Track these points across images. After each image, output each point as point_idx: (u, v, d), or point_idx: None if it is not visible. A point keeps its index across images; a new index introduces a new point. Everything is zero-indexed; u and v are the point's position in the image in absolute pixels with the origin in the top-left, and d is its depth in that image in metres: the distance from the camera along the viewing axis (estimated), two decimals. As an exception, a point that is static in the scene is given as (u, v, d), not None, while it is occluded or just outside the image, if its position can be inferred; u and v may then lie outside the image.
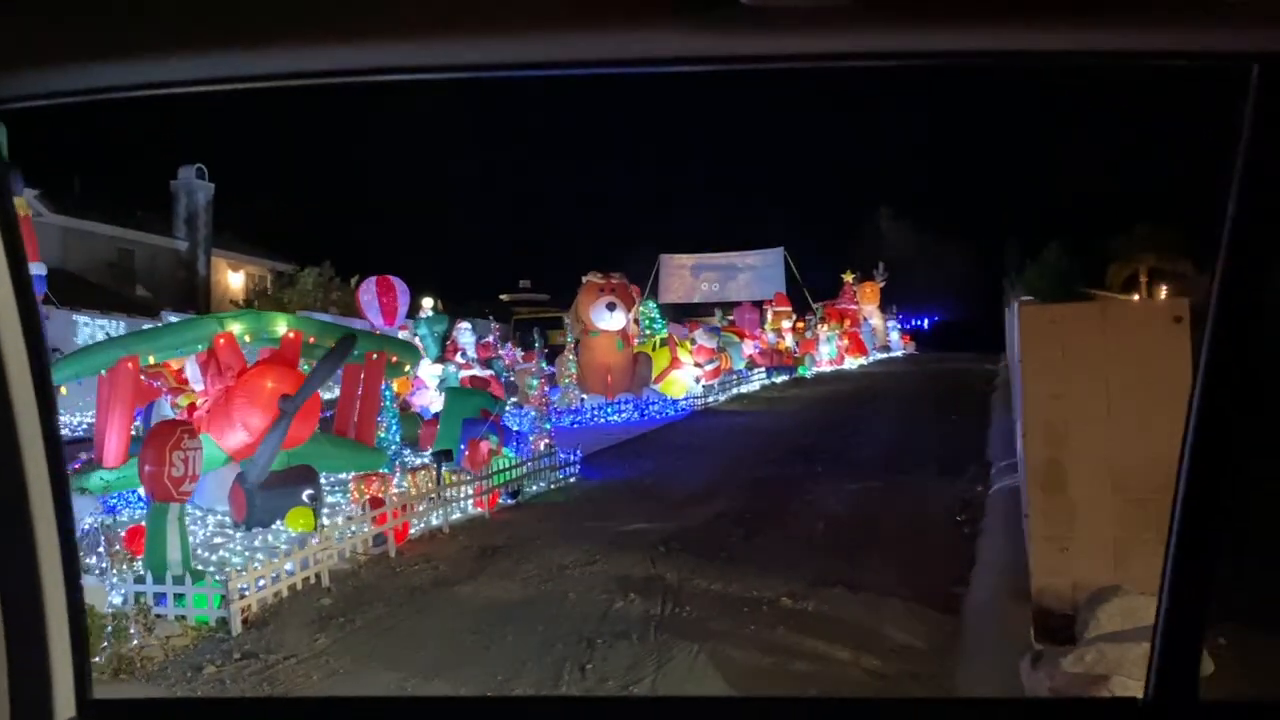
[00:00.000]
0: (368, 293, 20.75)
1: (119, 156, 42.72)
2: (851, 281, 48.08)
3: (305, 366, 11.69)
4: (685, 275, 49.06)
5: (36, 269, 20.62)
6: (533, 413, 15.25)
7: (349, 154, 69.54)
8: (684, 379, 24.17)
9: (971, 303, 63.97)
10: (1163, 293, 47.31)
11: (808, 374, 32.98)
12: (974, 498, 12.61)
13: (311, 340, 11.95)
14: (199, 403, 12.82)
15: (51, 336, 22.08)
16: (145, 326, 25.24)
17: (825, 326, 40.29)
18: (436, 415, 17.01)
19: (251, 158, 62.49)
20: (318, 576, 9.20)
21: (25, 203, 20.97)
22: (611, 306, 22.03)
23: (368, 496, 11.49)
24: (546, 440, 14.44)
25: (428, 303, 23.80)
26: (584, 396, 21.72)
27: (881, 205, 65.98)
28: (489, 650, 7.70)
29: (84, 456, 12.16)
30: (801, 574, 9.32)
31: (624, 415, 21.24)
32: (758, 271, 47.94)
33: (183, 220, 37.65)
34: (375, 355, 12.50)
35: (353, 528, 9.96)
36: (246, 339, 11.53)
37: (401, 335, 18.94)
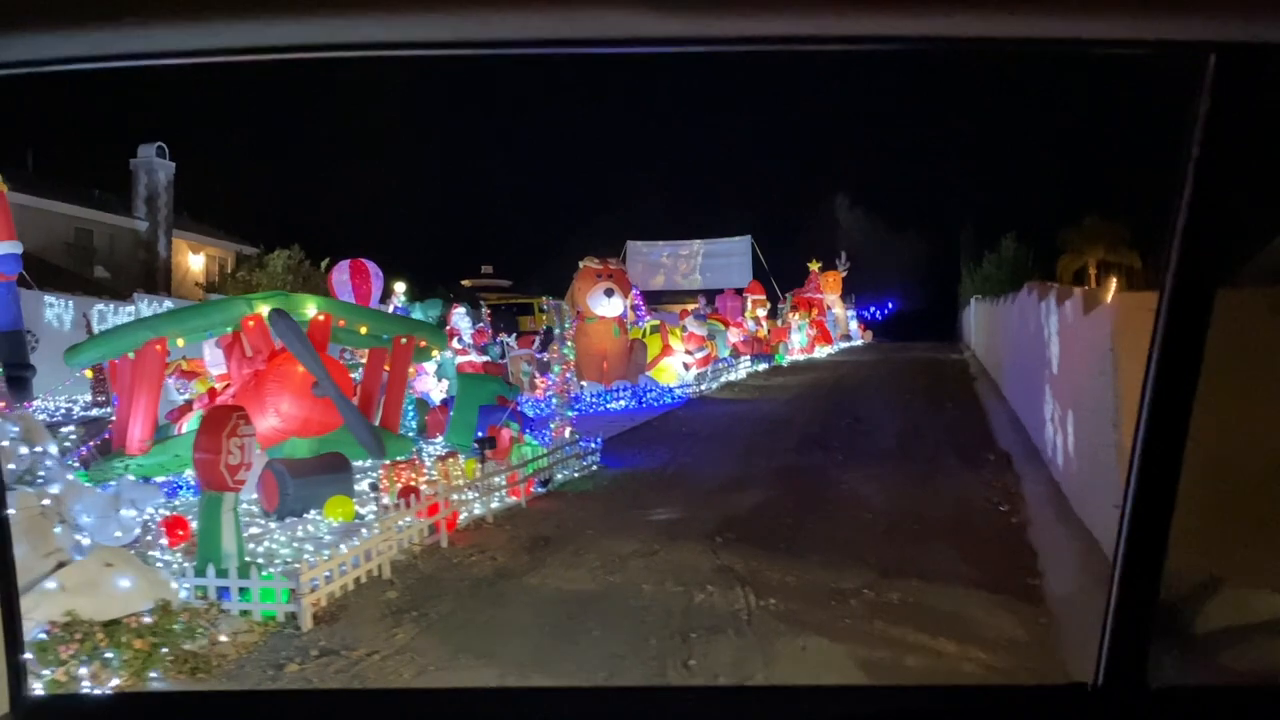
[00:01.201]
0: (340, 276, 20.23)
1: (75, 133, 41.27)
2: (817, 270, 48.30)
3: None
4: (653, 262, 48.86)
5: (12, 248, 19.78)
6: (555, 399, 14.95)
7: (301, 139, 68.13)
8: (674, 366, 24.01)
9: (922, 293, 64.89)
10: (1113, 284, 48.29)
11: (784, 362, 33.04)
12: (1007, 486, 12.62)
13: (341, 323, 11.53)
14: (218, 388, 12.36)
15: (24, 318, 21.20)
16: (97, 307, 24.56)
17: (795, 315, 40.43)
18: (444, 402, 16.65)
19: (204, 138, 60.94)
20: (379, 569, 8.86)
21: (0, 178, 19.99)
22: (610, 292, 21.74)
23: (399, 485, 11.14)
24: (570, 428, 14.15)
25: (400, 287, 23.31)
26: (582, 384, 21.43)
27: (837, 194, 66.55)
28: (578, 645, 7.45)
29: (92, 443, 11.65)
30: (868, 564, 9.19)
31: (623, 403, 21.01)
32: (726, 259, 47.95)
33: (142, 200, 36.55)
34: (405, 340, 12.10)
35: (407, 518, 9.60)
36: (275, 321, 11.07)
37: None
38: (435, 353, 13.83)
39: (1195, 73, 1.39)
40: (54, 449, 7.19)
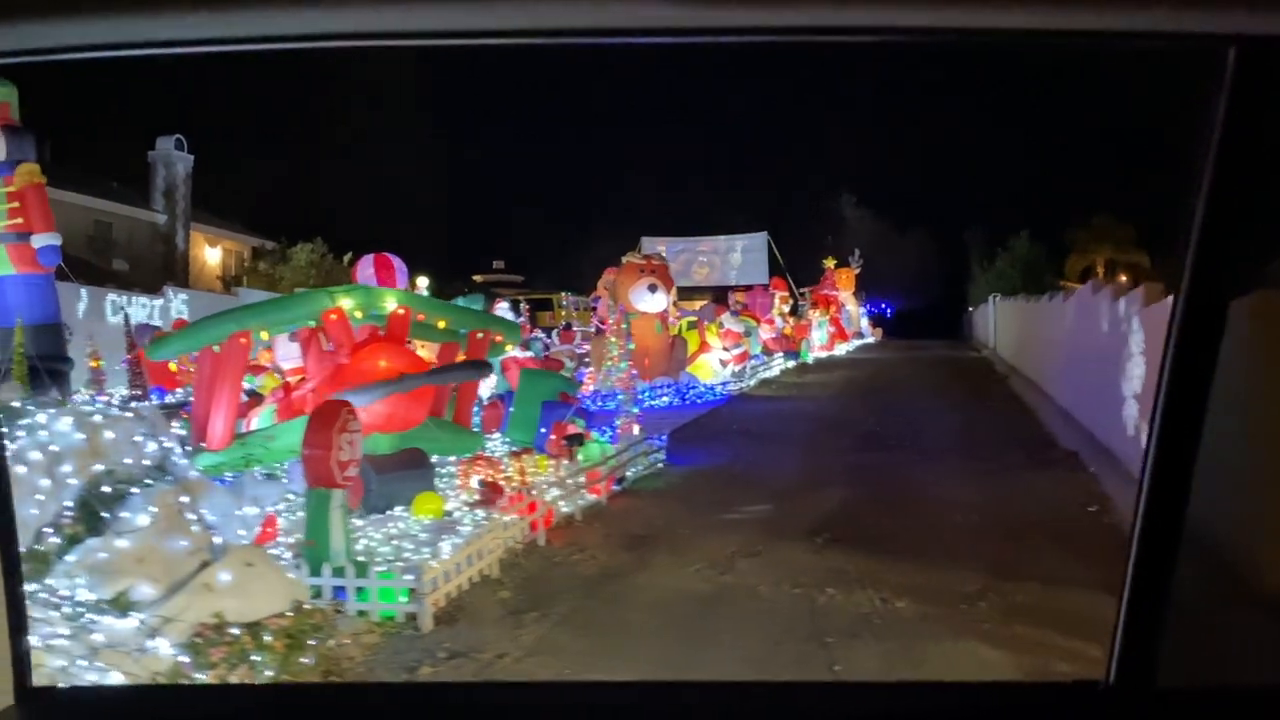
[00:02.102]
0: (366, 270, 19.99)
1: (94, 125, 40.97)
2: (833, 267, 48.24)
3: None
4: (670, 257, 48.57)
5: (51, 239, 19.49)
6: (621, 395, 14.77)
7: (316, 134, 67.81)
8: (712, 363, 23.86)
9: (927, 292, 64.88)
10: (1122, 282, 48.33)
11: (810, 359, 32.90)
12: (1086, 485, 12.48)
13: (420, 318, 11.33)
14: (291, 382, 12.15)
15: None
16: (110, 297, 24.30)
17: (815, 312, 40.36)
18: (495, 397, 16.45)
19: (222, 131, 60.64)
20: (490, 568, 8.68)
21: (39, 169, 19.65)
22: (653, 288, 21.54)
23: (485, 480, 10.95)
24: (638, 425, 13.97)
25: (423, 282, 23.08)
26: (627, 379, 21.27)
27: (843, 192, 66.53)
28: (710, 647, 7.25)
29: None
30: (979, 566, 9.00)
31: (666, 399, 20.83)
32: (742, 256, 47.74)
33: (160, 193, 36.26)
34: (480, 335, 11.90)
35: (512, 515, 9.42)
36: (357, 315, 10.87)
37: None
38: (509, 348, 13.62)
39: (1214, 67, 1.34)
40: (178, 445, 6.98)
